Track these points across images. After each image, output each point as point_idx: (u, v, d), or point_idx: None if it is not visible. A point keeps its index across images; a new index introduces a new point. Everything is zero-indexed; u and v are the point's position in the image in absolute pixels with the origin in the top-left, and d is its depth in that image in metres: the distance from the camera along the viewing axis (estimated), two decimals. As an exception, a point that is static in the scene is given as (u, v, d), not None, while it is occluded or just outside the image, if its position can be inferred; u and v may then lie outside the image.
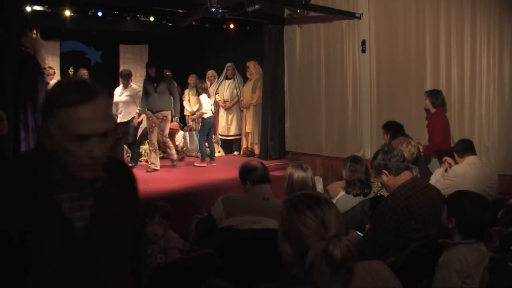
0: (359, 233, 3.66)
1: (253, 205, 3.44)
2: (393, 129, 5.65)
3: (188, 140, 9.34)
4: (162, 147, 8.31)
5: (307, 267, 1.58)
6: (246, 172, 3.65)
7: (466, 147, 5.03)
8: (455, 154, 5.09)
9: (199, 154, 8.78)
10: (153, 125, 7.82)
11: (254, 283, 3.22)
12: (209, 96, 8.64)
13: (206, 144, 8.61)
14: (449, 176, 4.88)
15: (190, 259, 3.13)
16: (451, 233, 2.64)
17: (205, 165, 8.35)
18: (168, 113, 7.82)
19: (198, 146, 8.89)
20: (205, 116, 8.42)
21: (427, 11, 6.70)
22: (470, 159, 4.95)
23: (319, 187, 7.23)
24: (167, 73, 8.20)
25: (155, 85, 7.74)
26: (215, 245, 3.27)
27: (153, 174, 7.62)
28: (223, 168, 8.03)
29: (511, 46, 6.04)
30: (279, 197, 3.76)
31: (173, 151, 8.23)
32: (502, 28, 6.07)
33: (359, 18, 7.48)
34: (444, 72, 6.59)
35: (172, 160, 8.21)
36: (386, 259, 2.82)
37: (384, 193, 4.09)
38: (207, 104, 8.45)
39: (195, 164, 8.36)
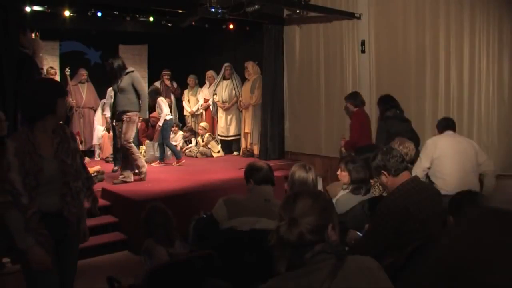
0: (358, 233, 3.67)
1: (254, 206, 3.45)
2: (383, 102, 6.19)
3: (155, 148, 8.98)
4: (123, 153, 7.00)
5: (270, 244, 1.77)
6: (251, 171, 3.66)
7: (447, 124, 5.24)
8: (436, 130, 5.33)
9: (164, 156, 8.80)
10: (120, 130, 7.00)
11: (254, 284, 3.22)
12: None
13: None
14: (427, 150, 5.04)
15: (190, 260, 3.13)
16: None
17: (183, 161, 8.46)
18: (132, 114, 6.87)
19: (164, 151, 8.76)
20: (167, 118, 8.50)
21: (427, 11, 6.71)
22: (448, 133, 5.17)
23: (319, 187, 7.23)
24: (130, 69, 7.10)
25: (118, 82, 6.93)
26: (215, 246, 3.28)
27: (153, 174, 7.60)
28: (222, 169, 8.04)
29: (510, 46, 6.05)
30: (279, 197, 3.77)
31: (140, 162, 7.03)
32: (501, 27, 6.07)
33: (359, 18, 7.48)
34: (443, 72, 6.59)
35: (140, 173, 7.03)
36: (386, 260, 2.82)
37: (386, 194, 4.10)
38: (167, 106, 8.63)
39: (174, 164, 8.43)
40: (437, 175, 4.94)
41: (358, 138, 6.63)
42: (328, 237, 1.75)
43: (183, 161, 8.52)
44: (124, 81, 6.84)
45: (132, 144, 6.91)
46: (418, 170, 4.86)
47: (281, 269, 1.74)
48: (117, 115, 6.97)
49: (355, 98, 6.79)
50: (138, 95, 6.93)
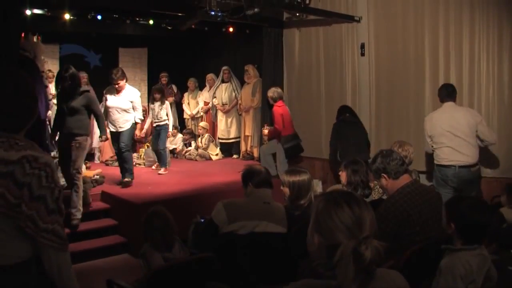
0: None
1: (254, 209, 3.45)
2: (339, 111, 7.00)
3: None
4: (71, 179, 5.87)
5: (334, 262, 1.61)
6: (249, 174, 3.67)
7: (447, 94, 5.49)
8: (439, 99, 5.62)
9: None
10: (63, 153, 6.02)
11: (254, 287, 3.22)
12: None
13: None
14: (425, 127, 5.55)
15: (189, 263, 3.13)
16: (452, 238, 2.63)
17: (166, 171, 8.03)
18: (83, 139, 5.91)
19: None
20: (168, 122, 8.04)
21: (426, 14, 6.71)
22: (447, 104, 5.47)
23: (318, 190, 7.23)
24: (85, 87, 6.48)
25: (69, 101, 5.94)
26: (215, 249, 3.27)
27: (153, 176, 7.59)
28: (222, 172, 8.04)
29: (510, 47, 6.04)
30: (278, 200, 3.77)
31: (80, 203, 5.91)
32: (501, 29, 6.07)
33: (358, 21, 7.49)
34: (442, 74, 6.59)
35: (73, 216, 5.82)
36: (386, 262, 2.81)
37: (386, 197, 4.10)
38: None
39: (160, 172, 7.97)
40: (437, 149, 5.41)
41: (281, 128, 7.59)
42: None
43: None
44: (78, 101, 5.94)
45: (81, 176, 5.92)
46: (427, 145, 5.58)
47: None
48: (64, 137, 5.99)
49: (273, 92, 7.83)
50: (90, 116, 6.20)
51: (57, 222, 1.95)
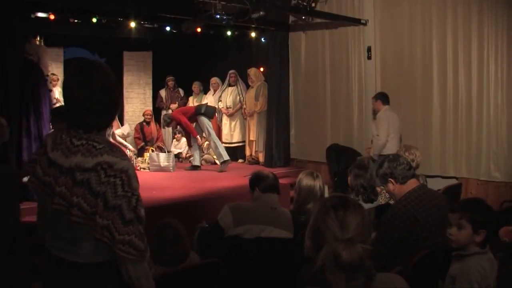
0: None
1: (261, 213, 3.46)
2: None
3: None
4: None
5: (318, 265, 1.64)
6: (257, 179, 3.69)
7: (388, 98, 6.62)
8: (379, 101, 6.58)
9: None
10: None
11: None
12: None
13: None
14: (379, 124, 6.47)
15: (195, 268, 3.13)
16: (468, 245, 2.58)
17: None
18: None
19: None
20: None
21: (434, 17, 6.71)
22: (387, 106, 6.57)
23: (325, 195, 7.22)
24: None
25: None
26: (221, 254, 3.27)
27: (158, 181, 7.61)
28: (228, 176, 8.04)
29: (519, 51, 6.05)
30: (284, 204, 3.78)
31: None
32: (510, 31, 6.05)
33: (365, 24, 7.50)
34: (451, 78, 6.58)
35: None
36: (393, 268, 2.81)
37: (392, 202, 4.10)
38: None
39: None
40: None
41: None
42: None
43: None
44: None
45: None
46: (376, 147, 6.43)
47: None
48: None
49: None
50: None
51: (134, 233, 1.82)
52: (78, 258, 1.91)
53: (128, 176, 1.85)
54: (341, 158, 7.46)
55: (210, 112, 8.69)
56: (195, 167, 8.56)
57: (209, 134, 8.44)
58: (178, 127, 9.21)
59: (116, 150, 1.91)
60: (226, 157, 8.41)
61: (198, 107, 8.59)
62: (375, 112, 6.89)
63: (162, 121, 9.43)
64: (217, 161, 8.78)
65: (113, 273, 1.94)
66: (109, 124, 1.99)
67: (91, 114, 1.87)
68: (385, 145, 6.38)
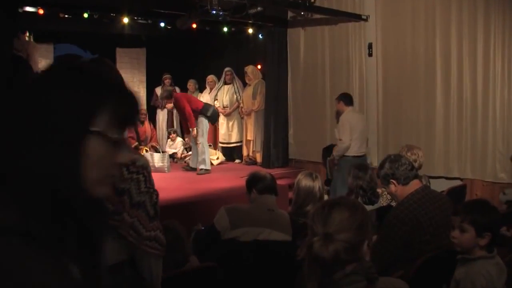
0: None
1: (258, 216, 3.45)
2: None
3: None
4: None
5: (299, 259, 1.70)
6: (254, 180, 3.68)
7: (351, 99, 6.83)
8: (342, 102, 6.72)
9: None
10: None
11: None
12: None
13: None
14: (341, 128, 6.58)
15: (191, 272, 3.11)
16: (472, 248, 2.57)
17: None
18: None
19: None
20: None
21: (437, 12, 6.69)
22: (351, 107, 6.71)
23: (324, 196, 7.21)
24: None
25: None
26: (217, 258, 3.26)
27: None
28: (224, 177, 8.02)
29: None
30: (282, 206, 3.77)
31: None
32: (516, 28, 6.05)
33: (366, 20, 7.48)
34: (455, 76, 6.57)
35: None
36: (395, 272, 2.80)
37: (394, 204, 4.09)
38: None
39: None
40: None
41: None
42: (362, 256, 1.70)
43: None
44: None
45: None
46: (339, 149, 6.56)
47: None
48: None
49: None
50: None
51: (159, 229, 1.91)
52: None
53: (148, 173, 1.93)
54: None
55: (214, 117, 8.59)
56: (192, 168, 8.47)
57: (203, 137, 8.34)
58: (175, 121, 9.08)
59: (131, 146, 1.92)
60: (208, 166, 8.28)
61: (205, 107, 8.39)
62: (338, 114, 6.96)
63: (161, 92, 9.18)
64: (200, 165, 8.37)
65: (127, 274, 1.97)
66: None
67: None
68: (348, 148, 6.52)
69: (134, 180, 1.86)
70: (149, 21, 8.79)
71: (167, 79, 10.23)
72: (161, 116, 10.47)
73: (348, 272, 1.64)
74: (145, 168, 1.90)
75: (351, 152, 6.50)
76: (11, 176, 0.85)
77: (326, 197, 7.41)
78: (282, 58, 8.77)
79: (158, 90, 10.37)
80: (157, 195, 1.93)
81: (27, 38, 6.16)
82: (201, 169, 8.19)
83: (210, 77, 10.01)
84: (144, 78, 10.81)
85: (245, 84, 9.40)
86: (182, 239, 3.22)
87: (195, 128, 8.22)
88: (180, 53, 10.64)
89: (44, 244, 0.82)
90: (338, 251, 1.60)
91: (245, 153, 9.47)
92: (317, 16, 8.03)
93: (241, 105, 9.36)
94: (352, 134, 6.49)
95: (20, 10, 6.71)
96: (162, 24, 8.89)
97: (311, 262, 1.62)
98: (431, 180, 5.53)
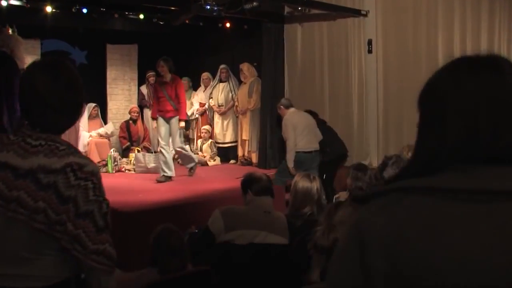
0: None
1: (254, 218, 3.44)
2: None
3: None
4: None
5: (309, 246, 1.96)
6: (249, 182, 3.67)
7: (290, 102, 7.14)
8: (282, 107, 6.99)
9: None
10: None
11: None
12: None
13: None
14: (284, 131, 6.78)
15: (185, 277, 3.09)
16: None
17: None
18: None
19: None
20: None
21: (440, 7, 6.70)
22: (292, 109, 6.96)
23: (323, 197, 7.20)
24: None
25: None
26: (212, 261, 3.24)
27: (143, 183, 7.55)
28: (219, 178, 8.01)
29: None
30: (278, 208, 3.76)
31: None
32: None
33: (365, 15, 7.49)
34: (458, 74, 6.57)
35: None
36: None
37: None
38: None
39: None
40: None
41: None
42: None
43: None
44: None
45: None
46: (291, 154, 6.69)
47: (313, 277, 1.81)
48: None
49: None
50: None
51: (108, 242, 1.77)
52: (36, 282, 1.77)
53: (98, 180, 1.79)
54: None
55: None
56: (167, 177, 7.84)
57: (163, 141, 7.80)
58: None
59: (79, 152, 1.87)
60: (173, 173, 7.75)
61: None
62: (281, 120, 7.10)
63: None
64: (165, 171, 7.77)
65: None
66: (68, 127, 1.91)
67: (53, 113, 1.81)
68: (295, 144, 6.65)
69: (82, 187, 1.73)
70: (141, 17, 8.77)
71: (151, 76, 10.05)
72: (149, 115, 10.41)
73: None
74: (94, 175, 1.77)
75: (300, 147, 6.66)
76: None
77: (324, 197, 7.48)
78: (278, 55, 8.76)
79: (144, 89, 10.32)
80: (108, 204, 1.79)
81: (10, 32, 6.09)
82: (163, 175, 7.62)
83: (205, 75, 9.98)
84: (135, 76, 10.75)
85: (240, 82, 9.39)
86: (184, 243, 3.16)
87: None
88: (173, 50, 10.58)
89: None
90: (338, 240, 1.72)
91: (240, 153, 9.45)
92: (315, 11, 8.03)
93: (236, 103, 9.34)
94: (296, 130, 6.67)
95: (4, 3, 6.67)
96: (155, 20, 8.87)
97: (315, 251, 1.86)
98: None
